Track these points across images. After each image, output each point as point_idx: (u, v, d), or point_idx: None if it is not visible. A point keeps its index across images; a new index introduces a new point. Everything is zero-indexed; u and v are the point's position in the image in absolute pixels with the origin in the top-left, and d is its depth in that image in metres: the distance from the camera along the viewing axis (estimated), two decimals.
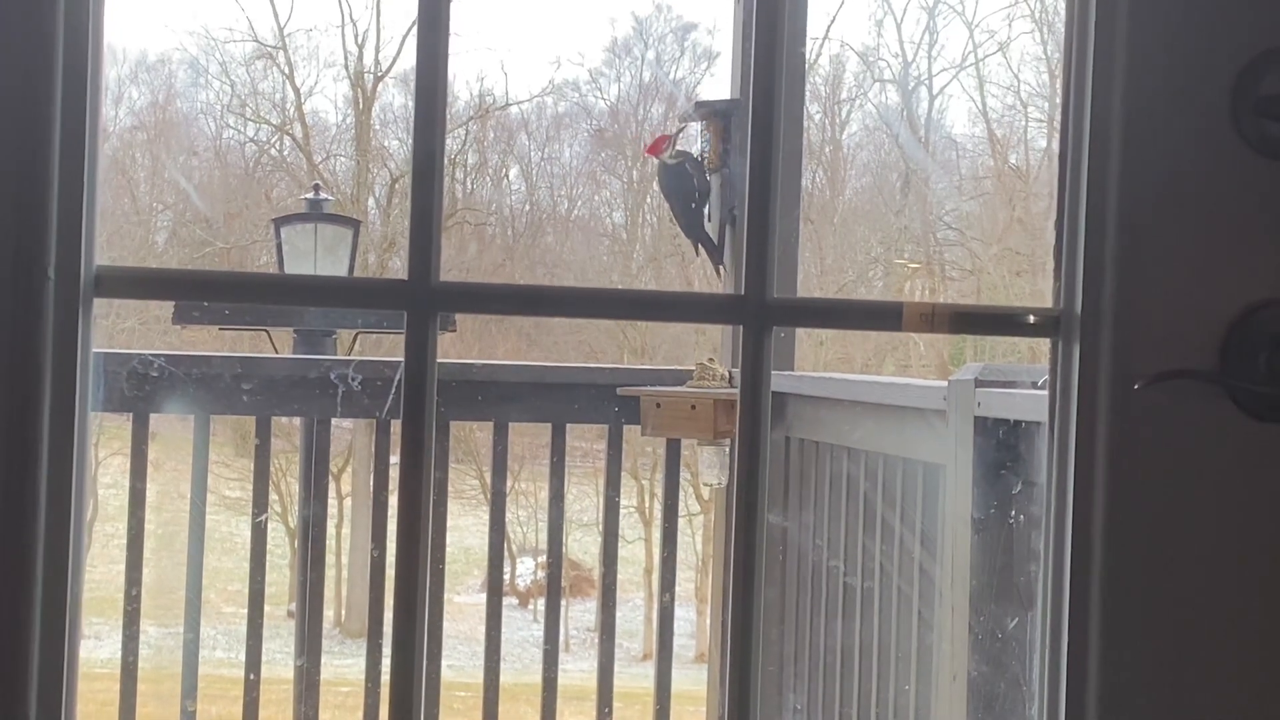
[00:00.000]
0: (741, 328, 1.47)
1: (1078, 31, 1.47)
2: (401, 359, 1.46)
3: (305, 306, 5.19)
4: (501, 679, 4.47)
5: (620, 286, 14.12)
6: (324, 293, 1.69)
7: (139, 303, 11.76)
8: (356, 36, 13.90)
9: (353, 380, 4.13)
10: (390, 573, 1.51)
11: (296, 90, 14.06)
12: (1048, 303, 1.50)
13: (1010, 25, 13.91)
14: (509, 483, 4.78)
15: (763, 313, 1.46)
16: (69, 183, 1.38)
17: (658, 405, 4.24)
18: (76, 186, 1.38)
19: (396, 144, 14.27)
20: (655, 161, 4.49)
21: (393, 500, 4.29)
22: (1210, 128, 1.44)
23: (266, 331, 7.48)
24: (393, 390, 4.13)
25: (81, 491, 1.41)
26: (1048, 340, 1.52)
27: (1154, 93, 1.44)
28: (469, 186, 14.32)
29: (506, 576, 12.10)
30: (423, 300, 1.43)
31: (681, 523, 4.92)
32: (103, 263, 1.41)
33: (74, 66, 1.38)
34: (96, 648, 9.79)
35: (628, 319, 10.81)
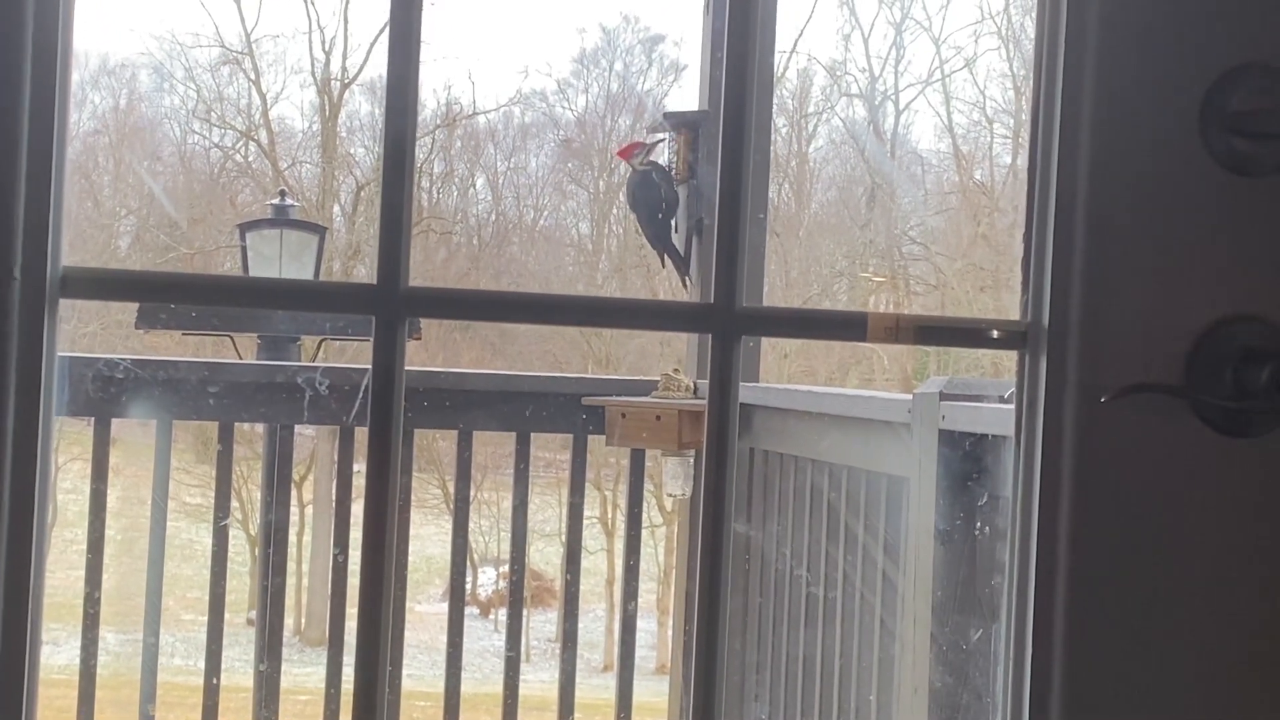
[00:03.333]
0: (710, 336, 1.46)
1: (1047, 47, 1.48)
2: (369, 365, 1.45)
3: (273, 310, 5.17)
4: (462, 688, 4.46)
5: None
6: (293, 296, 1.68)
7: (101, 308, 11.70)
8: (324, 43, 13.89)
9: (320, 386, 4.12)
10: (353, 580, 1.50)
11: (263, 96, 14.02)
12: (1011, 318, 1.51)
13: (977, 42, 13.97)
14: (471, 491, 4.77)
15: (732, 321, 1.46)
16: (36, 184, 1.37)
17: (623, 415, 4.24)
18: (43, 188, 1.37)
19: (363, 151, 14.25)
20: (622, 171, 4.51)
21: (356, 507, 4.28)
22: (1179, 143, 1.45)
23: (230, 337, 7.45)
24: (360, 396, 4.12)
25: (44, 496, 1.39)
26: (1011, 354, 1.52)
27: (1123, 108, 1.45)
28: (435, 195, 14.32)
29: (468, 586, 12.09)
30: (392, 305, 1.42)
31: (644, 534, 4.91)
32: (69, 264, 1.40)
33: (42, 69, 1.37)
34: (54, 653, 9.72)
35: (598, 326, 10.81)
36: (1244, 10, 1.46)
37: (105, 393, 4.05)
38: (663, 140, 4.42)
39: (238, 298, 1.87)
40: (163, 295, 1.40)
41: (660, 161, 4.43)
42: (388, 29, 1.43)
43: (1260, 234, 1.46)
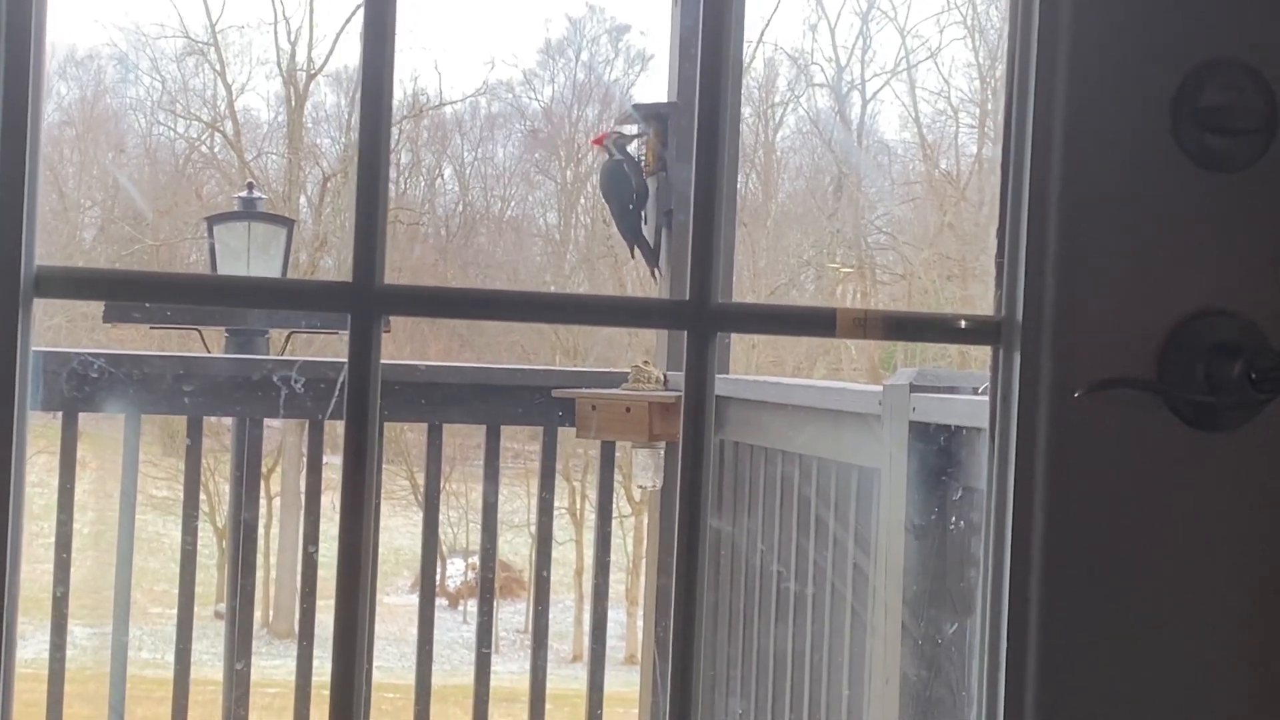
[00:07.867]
0: (685, 333, 1.46)
1: (1020, 40, 1.48)
2: (344, 359, 1.44)
3: (250, 308, 5.15)
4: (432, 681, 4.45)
5: (553, 288, 14.11)
6: (270, 295, 1.67)
7: (68, 301, 11.64)
8: (289, 34, 13.83)
9: (295, 382, 4.10)
10: (323, 572, 1.50)
11: (228, 87, 13.97)
12: (978, 307, 1.52)
13: (942, 32, 13.99)
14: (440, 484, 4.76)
15: (707, 318, 1.46)
16: (9, 181, 1.36)
17: (594, 407, 4.25)
18: (17, 185, 1.36)
19: (328, 142, 14.22)
20: (589, 162, 4.52)
21: (325, 500, 4.26)
22: (1151, 138, 1.46)
23: (199, 331, 7.43)
24: (336, 393, 4.11)
25: (20, 493, 1.39)
26: (979, 346, 1.52)
27: (1095, 102, 1.46)
28: (402, 186, 14.28)
29: (437, 577, 12.05)
30: (367, 303, 1.42)
31: (613, 524, 4.91)
32: (42, 262, 1.39)
33: (15, 63, 1.36)
34: (21, 647, 9.68)
35: (574, 323, 10.78)
36: (1215, 5, 1.46)
37: (79, 390, 4.03)
38: (639, 136, 4.42)
39: (215, 297, 1.86)
40: (139, 294, 1.39)
41: (631, 153, 4.43)
42: (359, 22, 1.42)
43: (1231, 229, 1.47)
